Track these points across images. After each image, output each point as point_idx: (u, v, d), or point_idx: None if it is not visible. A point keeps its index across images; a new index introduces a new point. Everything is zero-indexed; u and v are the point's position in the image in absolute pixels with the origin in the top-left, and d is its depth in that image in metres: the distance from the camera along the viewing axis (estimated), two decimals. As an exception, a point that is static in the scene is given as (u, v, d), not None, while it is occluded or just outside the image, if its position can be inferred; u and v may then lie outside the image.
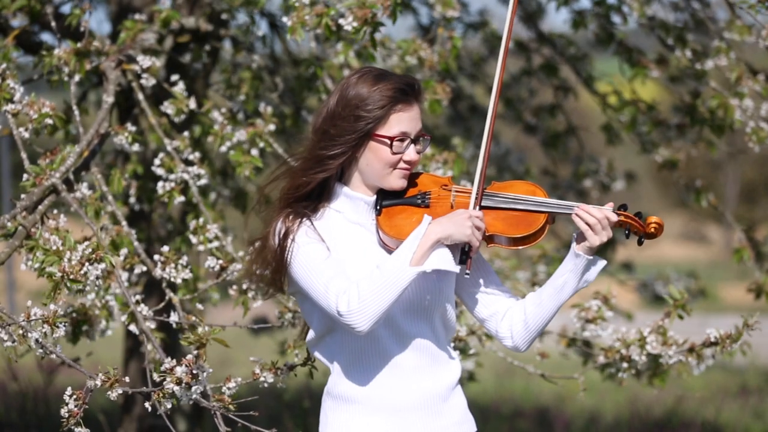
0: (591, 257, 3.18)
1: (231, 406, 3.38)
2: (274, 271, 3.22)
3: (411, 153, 3.23)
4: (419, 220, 3.19)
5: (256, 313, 4.42)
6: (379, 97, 3.18)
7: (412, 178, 3.29)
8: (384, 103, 3.18)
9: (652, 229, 3.18)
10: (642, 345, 4.26)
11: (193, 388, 3.24)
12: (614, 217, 3.14)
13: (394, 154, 3.20)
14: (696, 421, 8.57)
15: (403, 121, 3.21)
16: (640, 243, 3.21)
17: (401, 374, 3.19)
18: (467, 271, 3.17)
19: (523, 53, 7.02)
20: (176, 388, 3.24)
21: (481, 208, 3.21)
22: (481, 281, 3.30)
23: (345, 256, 3.19)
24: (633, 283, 7.38)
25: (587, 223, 3.15)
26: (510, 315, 3.28)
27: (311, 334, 3.28)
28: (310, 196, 3.24)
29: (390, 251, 3.20)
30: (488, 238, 3.20)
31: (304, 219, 3.21)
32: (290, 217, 3.20)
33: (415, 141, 3.24)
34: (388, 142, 3.19)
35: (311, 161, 3.22)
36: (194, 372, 3.23)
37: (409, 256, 3.08)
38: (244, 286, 4.11)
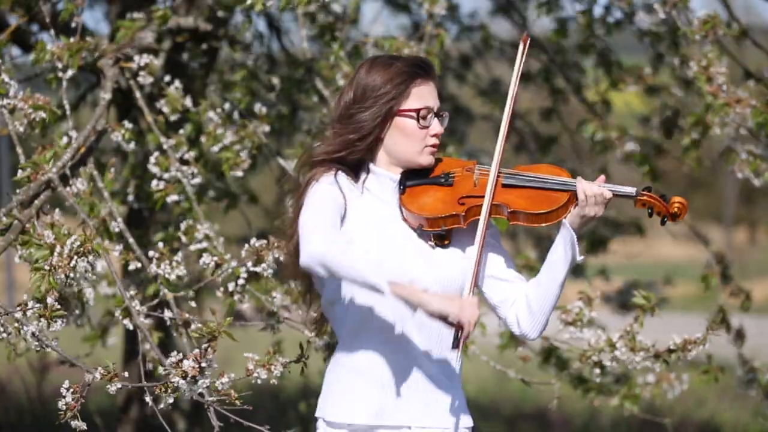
0: (574, 232, 3.19)
1: (237, 402, 3.36)
2: (293, 220, 3.22)
3: (437, 126, 3.25)
4: (443, 198, 3.23)
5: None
6: (397, 73, 3.21)
7: (437, 161, 3.32)
8: (404, 78, 3.21)
9: (675, 209, 3.24)
10: (612, 351, 4.24)
11: (200, 382, 3.22)
12: (608, 194, 3.19)
13: (421, 128, 3.22)
14: (695, 421, 8.56)
15: (424, 95, 3.24)
16: (663, 223, 3.27)
17: (406, 353, 3.20)
18: (458, 355, 3.19)
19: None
20: (181, 382, 3.22)
21: (504, 186, 3.25)
22: (495, 268, 3.30)
23: (370, 232, 3.20)
24: (609, 289, 7.36)
25: (584, 194, 3.19)
26: (518, 302, 3.29)
27: (324, 297, 3.29)
28: (346, 166, 3.26)
29: (412, 227, 3.22)
30: (512, 215, 3.24)
31: (337, 172, 3.23)
32: (323, 167, 3.23)
33: (437, 115, 3.26)
34: (415, 115, 3.21)
35: (341, 143, 3.23)
36: (202, 365, 3.20)
37: (390, 281, 2.97)
38: (230, 288, 4.12)
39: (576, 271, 6.98)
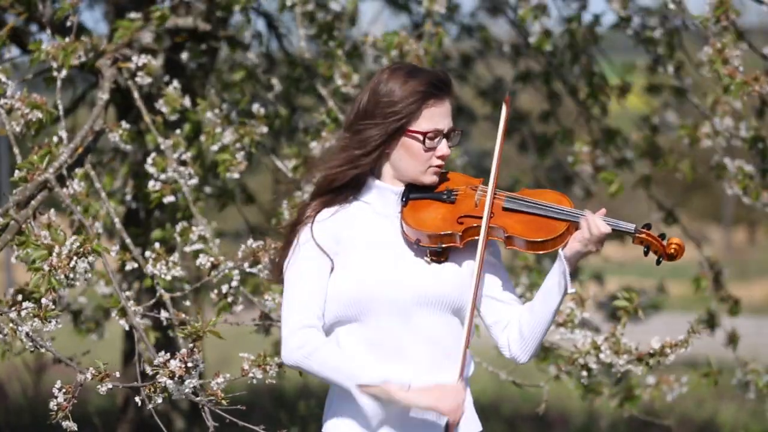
0: (568, 265, 3.18)
1: (224, 401, 3.36)
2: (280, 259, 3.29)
3: (443, 148, 3.24)
4: (443, 215, 3.21)
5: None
6: (411, 92, 3.19)
7: (444, 176, 3.30)
8: (416, 98, 3.19)
9: (672, 250, 3.20)
10: (597, 353, 4.23)
11: (186, 382, 3.22)
12: (607, 229, 3.15)
13: (427, 150, 3.22)
14: (695, 421, 8.56)
15: (435, 116, 3.22)
16: (658, 263, 3.24)
17: (412, 367, 3.18)
18: None
19: (516, 58, 7.03)
20: (169, 382, 3.22)
21: (504, 209, 3.22)
22: (492, 288, 3.29)
23: (366, 248, 3.20)
24: (602, 294, 7.36)
25: (590, 230, 3.16)
26: (510, 325, 3.28)
27: (325, 317, 3.27)
28: (340, 189, 3.26)
29: (410, 242, 3.21)
30: (508, 240, 3.21)
31: (316, 217, 3.23)
32: (306, 213, 3.25)
33: (446, 136, 3.25)
34: (421, 137, 3.20)
35: (345, 158, 3.23)
36: (188, 365, 3.21)
37: (368, 380, 3.10)
38: (224, 290, 4.11)
39: (572, 273, 6.93)
